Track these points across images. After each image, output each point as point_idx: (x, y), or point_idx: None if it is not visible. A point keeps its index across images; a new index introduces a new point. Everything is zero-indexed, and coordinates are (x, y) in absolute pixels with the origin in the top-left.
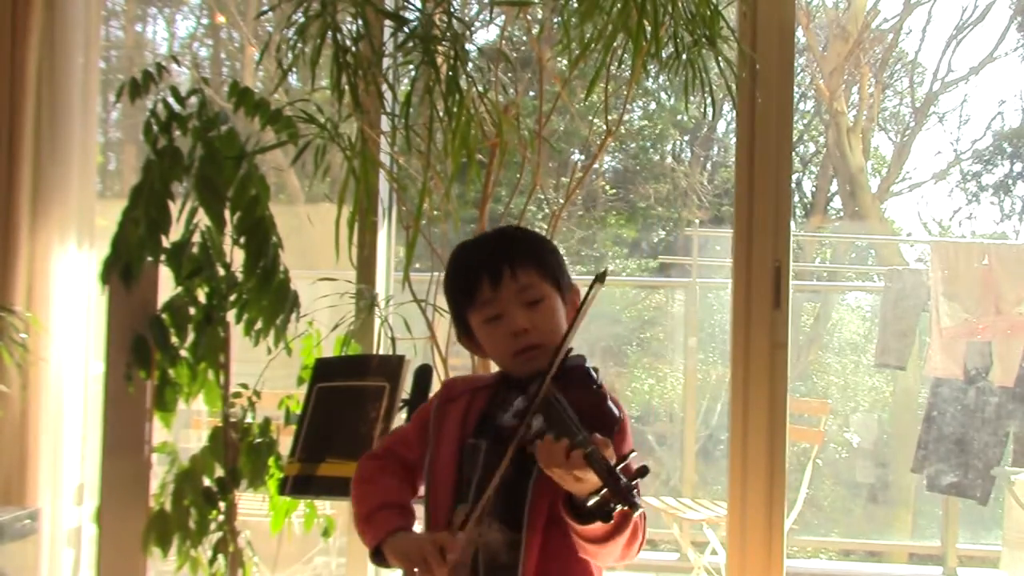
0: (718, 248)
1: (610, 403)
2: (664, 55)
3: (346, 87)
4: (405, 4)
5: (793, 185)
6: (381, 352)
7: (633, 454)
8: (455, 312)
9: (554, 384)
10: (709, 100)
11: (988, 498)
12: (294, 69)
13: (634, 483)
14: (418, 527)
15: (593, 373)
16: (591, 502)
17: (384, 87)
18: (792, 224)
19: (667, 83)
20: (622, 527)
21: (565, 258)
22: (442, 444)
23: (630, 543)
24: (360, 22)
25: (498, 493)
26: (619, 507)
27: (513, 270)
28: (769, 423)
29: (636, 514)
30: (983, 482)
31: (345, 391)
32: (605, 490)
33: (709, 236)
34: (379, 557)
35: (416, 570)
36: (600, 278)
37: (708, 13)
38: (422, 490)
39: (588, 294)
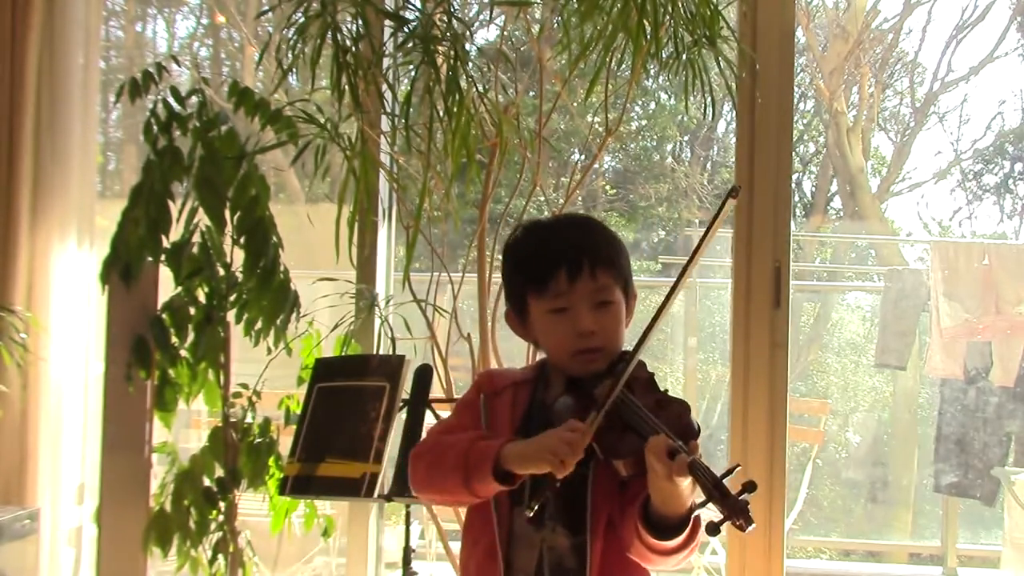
0: (718, 248)
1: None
2: (664, 55)
3: (346, 87)
4: (405, 4)
5: (793, 185)
6: (381, 352)
7: (738, 468)
8: (514, 290)
9: (624, 387)
10: (709, 100)
11: (994, 499)
12: (294, 69)
13: (745, 498)
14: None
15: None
16: (695, 512)
17: (384, 87)
18: (792, 224)
19: (667, 83)
20: (691, 539)
21: None
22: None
23: (691, 552)
24: (360, 22)
25: (558, 497)
26: (729, 522)
27: (593, 268)
28: (769, 423)
29: (750, 528)
30: (983, 482)
31: (345, 391)
32: (710, 503)
33: None
34: (502, 476)
35: (563, 457)
36: (734, 191)
37: (708, 13)
38: None
39: (721, 208)
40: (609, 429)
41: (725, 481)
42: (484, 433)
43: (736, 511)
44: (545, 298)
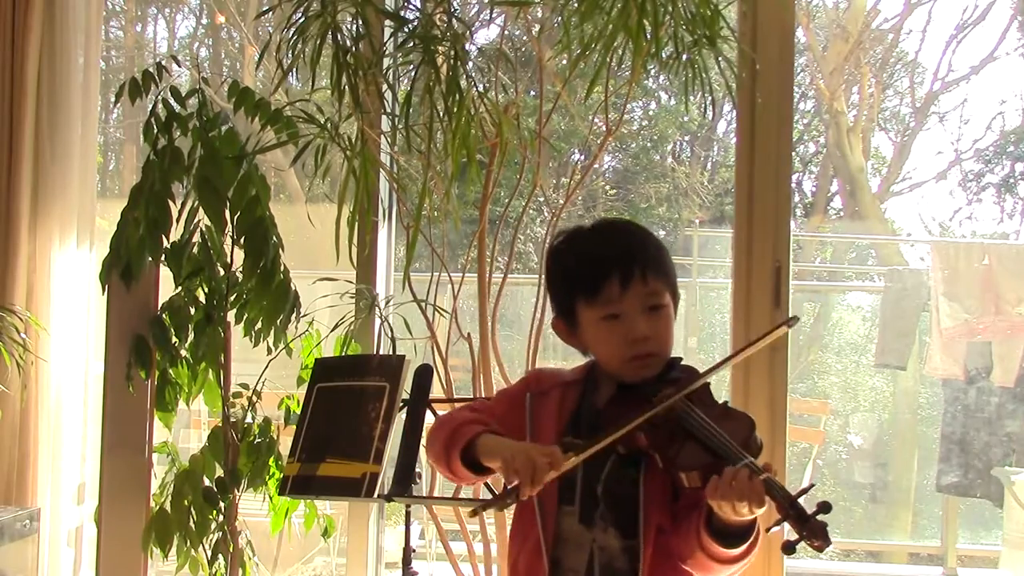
0: (718, 248)
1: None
2: (664, 55)
3: (346, 87)
4: (405, 4)
5: (793, 185)
6: (381, 352)
7: (813, 487)
8: (563, 298)
9: (684, 399)
10: (709, 100)
11: (1000, 498)
12: (294, 69)
13: (822, 519)
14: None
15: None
16: (772, 531)
17: (384, 87)
18: (792, 224)
19: (667, 83)
20: (755, 545)
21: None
22: (540, 439)
23: (751, 558)
24: (360, 22)
25: (609, 500)
26: (806, 542)
27: (644, 273)
28: (769, 423)
29: (828, 548)
30: (984, 481)
31: (345, 391)
32: (786, 523)
33: (709, 236)
34: (469, 463)
35: (517, 477)
36: (790, 322)
37: (708, 13)
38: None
39: (773, 331)
40: (669, 439)
41: (800, 500)
42: (483, 421)
43: (815, 532)
44: (597, 306)
